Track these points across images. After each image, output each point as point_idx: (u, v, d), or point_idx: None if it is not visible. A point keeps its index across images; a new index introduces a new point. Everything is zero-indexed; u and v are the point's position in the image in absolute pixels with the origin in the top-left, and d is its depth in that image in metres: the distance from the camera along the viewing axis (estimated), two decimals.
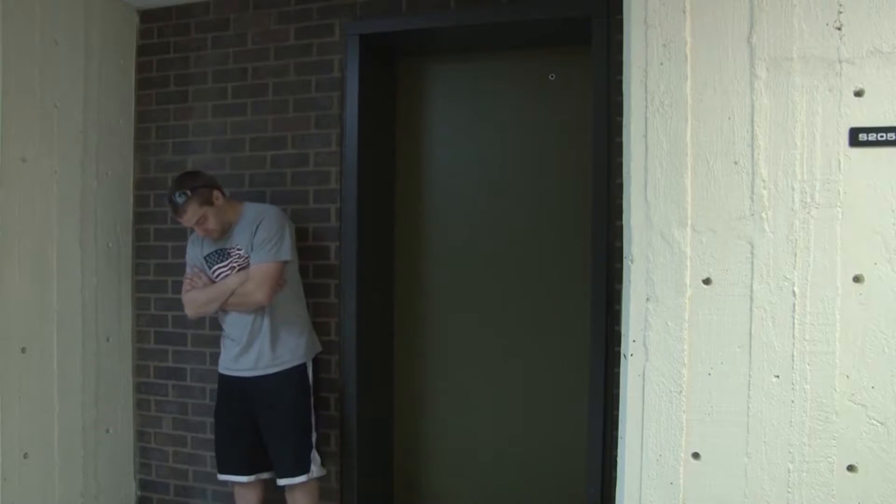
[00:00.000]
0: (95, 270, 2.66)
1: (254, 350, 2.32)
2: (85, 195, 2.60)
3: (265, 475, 2.39)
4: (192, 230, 2.37)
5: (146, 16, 2.87)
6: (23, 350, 2.33)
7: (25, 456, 2.32)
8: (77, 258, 2.57)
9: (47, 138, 2.42)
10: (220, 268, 2.36)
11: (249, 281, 2.28)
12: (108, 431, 2.72)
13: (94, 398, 2.64)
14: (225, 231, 2.34)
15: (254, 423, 2.35)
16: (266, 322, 2.32)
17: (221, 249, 2.36)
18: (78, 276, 2.57)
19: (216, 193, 2.31)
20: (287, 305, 2.38)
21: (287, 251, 2.33)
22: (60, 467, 2.47)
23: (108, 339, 2.72)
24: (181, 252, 2.80)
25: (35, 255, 2.39)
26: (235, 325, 2.36)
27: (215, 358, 2.73)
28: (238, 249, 2.33)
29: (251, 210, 2.40)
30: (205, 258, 2.39)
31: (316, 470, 2.36)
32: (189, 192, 2.24)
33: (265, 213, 2.37)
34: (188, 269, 2.43)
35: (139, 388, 2.88)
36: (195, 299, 2.35)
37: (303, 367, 2.38)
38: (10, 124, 2.25)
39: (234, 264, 2.34)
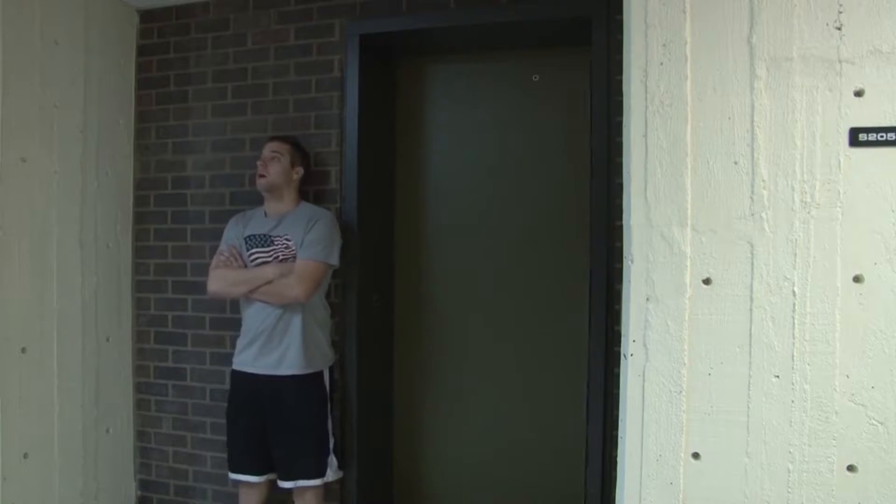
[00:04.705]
0: (95, 270, 2.65)
1: (278, 349, 2.26)
2: (85, 195, 2.60)
3: (273, 475, 2.37)
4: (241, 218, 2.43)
5: (146, 16, 2.87)
6: (23, 350, 2.32)
7: (25, 456, 2.32)
8: (77, 258, 2.57)
9: (47, 138, 2.42)
10: (259, 253, 2.30)
11: (292, 275, 2.21)
12: (108, 431, 2.72)
13: (94, 398, 2.64)
14: (273, 192, 2.36)
15: (264, 422, 2.31)
16: (297, 321, 2.26)
17: (266, 235, 2.31)
18: (78, 276, 2.57)
19: (299, 170, 2.40)
20: (319, 310, 2.36)
21: (336, 257, 2.32)
22: (60, 467, 2.47)
23: (108, 339, 2.72)
24: (181, 252, 2.82)
25: (35, 255, 2.38)
26: (256, 317, 2.28)
27: (215, 358, 2.75)
28: (287, 239, 2.28)
29: (308, 208, 2.40)
30: (245, 238, 2.34)
31: (332, 474, 2.34)
32: (291, 142, 2.41)
33: (323, 214, 2.35)
34: (223, 247, 2.37)
35: (139, 388, 2.88)
36: (225, 276, 2.28)
37: (321, 373, 2.35)
38: (10, 124, 2.25)
39: (279, 254, 2.28)
